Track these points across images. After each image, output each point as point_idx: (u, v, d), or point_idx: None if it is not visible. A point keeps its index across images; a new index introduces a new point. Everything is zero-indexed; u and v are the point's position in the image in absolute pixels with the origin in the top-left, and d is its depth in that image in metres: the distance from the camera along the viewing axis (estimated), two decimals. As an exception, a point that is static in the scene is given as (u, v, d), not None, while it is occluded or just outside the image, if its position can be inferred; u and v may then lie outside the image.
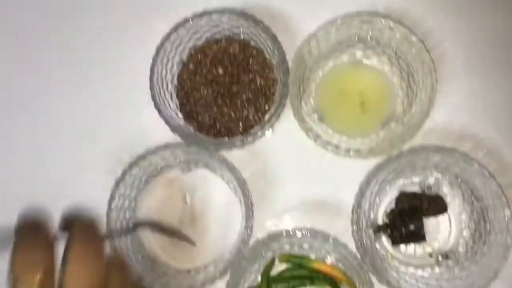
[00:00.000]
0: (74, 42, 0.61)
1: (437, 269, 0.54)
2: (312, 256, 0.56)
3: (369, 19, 0.52)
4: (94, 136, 0.60)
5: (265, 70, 0.55)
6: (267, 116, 0.55)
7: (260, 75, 0.55)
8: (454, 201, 0.55)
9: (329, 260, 0.56)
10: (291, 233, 0.53)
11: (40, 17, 0.62)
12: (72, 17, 0.62)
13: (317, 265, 0.54)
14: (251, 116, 0.55)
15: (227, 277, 0.52)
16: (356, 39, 0.55)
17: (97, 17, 0.61)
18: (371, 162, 0.55)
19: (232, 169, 0.54)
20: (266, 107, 0.55)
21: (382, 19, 0.52)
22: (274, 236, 0.53)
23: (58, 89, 0.61)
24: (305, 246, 0.56)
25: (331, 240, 0.52)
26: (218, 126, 0.56)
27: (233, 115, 0.55)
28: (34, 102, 0.61)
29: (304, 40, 0.53)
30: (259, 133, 0.54)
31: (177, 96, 0.56)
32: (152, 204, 0.58)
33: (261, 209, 0.57)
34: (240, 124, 0.55)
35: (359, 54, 0.56)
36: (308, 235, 0.52)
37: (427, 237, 0.55)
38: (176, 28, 0.52)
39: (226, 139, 0.55)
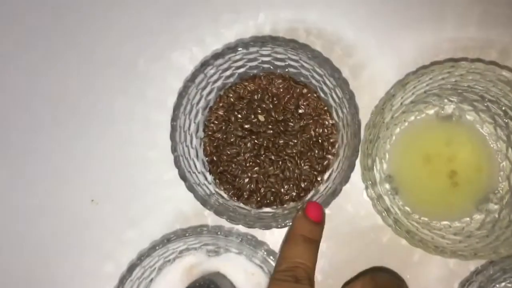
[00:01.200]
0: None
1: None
2: None
3: (472, 66, 0.37)
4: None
5: (321, 114, 0.42)
6: (326, 175, 0.42)
7: (315, 120, 0.42)
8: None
9: None
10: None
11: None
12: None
13: None
14: (305, 175, 0.41)
15: None
16: (449, 87, 0.40)
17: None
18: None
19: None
20: (325, 163, 0.42)
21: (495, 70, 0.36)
22: None
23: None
24: None
25: None
26: (262, 191, 0.41)
27: (281, 175, 0.41)
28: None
29: (388, 92, 0.39)
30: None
31: (205, 153, 0.41)
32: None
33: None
34: (293, 187, 0.41)
35: (450, 108, 0.42)
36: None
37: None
38: (202, 66, 0.38)
39: (275, 207, 0.40)
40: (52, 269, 0.44)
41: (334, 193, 0.36)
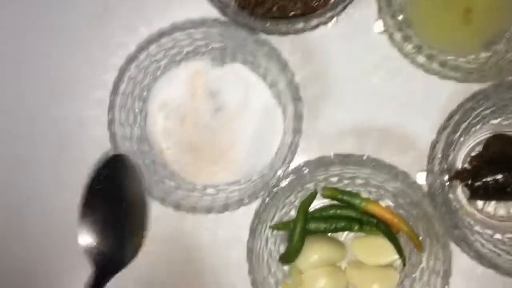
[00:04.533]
0: None
1: (522, 236, 0.42)
2: (365, 195, 0.44)
3: None
4: None
5: None
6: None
7: None
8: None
9: (388, 203, 0.43)
10: (346, 158, 0.40)
11: None
12: None
13: (371, 207, 0.42)
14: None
15: (254, 205, 0.40)
16: None
17: None
18: (465, 89, 0.41)
19: (282, 65, 0.40)
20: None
21: None
22: (323, 161, 0.41)
23: None
24: (358, 181, 0.43)
25: (398, 177, 0.39)
26: (269, 3, 0.41)
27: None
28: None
29: None
30: (322, 18, 0.39)
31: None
32: (168, 98, 0.44)
33: (309, 127, 0.44)
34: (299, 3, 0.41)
35: None
36: (369, 163, 0.39)
37: (516, 195, 0.43)
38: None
39: (277, 22, 0.40)
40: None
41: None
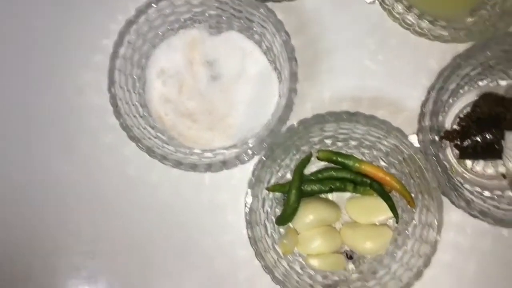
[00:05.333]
0: None
1: (510, 193, 0.44)
2: (359, 157, 0.45)
3: None
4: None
5: None
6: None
7: None
8: (545, 115, 0.44)
9: (381, 164, 0.45)
10: (340, 116, 0.41)
11: None
12: None
13: (365, 167, 0.43)
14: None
15: (249, 166, 0.41)
16: None
17: None
18: (453, 49, 0.43)
19: (278, 26, 0.41)
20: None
21: None
22: (318, 119, 0.42)
23: None
24: (352, 143, 0.45)
25: (391, 133, 0.40)
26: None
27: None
28: None
29: None
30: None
31: None
32: (166, 66, 0.46)
33: (304, 92, 0.45)
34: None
35: None
36: (363, 118, 0.40)
37: (504, 155, 0.44)
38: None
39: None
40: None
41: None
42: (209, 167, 0.41)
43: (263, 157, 0.41)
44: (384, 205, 0.43)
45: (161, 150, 0.42)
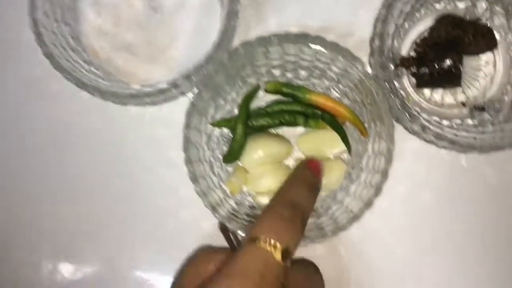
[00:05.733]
0: None
1: (469, 121, 0.41)
2: (311, 88, 0.42)
3: None
4: None
5: None
6: None
7: None
8: (506, 39, 0.42)
9: (334, 94, 0.42)
10: (285, 37, 0.37)
11: None
12: None
13: (315, 98, 0.40)
14: None
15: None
16: None
17: None
18: None
19: None
20: None
21: None
22: (261, 42, 0.38)
23: None
24: (302, 73, 0.42)
25: (340, 55, 0.37)
26: None
27: None
28: None
29: None
30: None
31: None
32: (102, 4, 0.42)
33: (249, 20, 0.42)
34: None
35: None
36: (311, 40, 0.37)
37: (463, 81, 0.42)
38: None
39: None
40: None
41: None
42: (148, 100, 0.38)
43: (201, 86, 0.38)
44: (336, 138, 0.41)
45: (94, 83, 0.39)
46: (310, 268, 0.38)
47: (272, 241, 0.29)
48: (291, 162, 0.42)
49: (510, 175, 0.41)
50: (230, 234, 0.36)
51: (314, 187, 0.35)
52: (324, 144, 0.41)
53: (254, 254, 0.29)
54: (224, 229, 0.36)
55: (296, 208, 0.32)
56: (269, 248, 0.29)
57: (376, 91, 0.37)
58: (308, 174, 0.36)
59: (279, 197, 0.34)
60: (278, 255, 0.29)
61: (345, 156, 0.42)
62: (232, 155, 0.41)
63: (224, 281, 0.28)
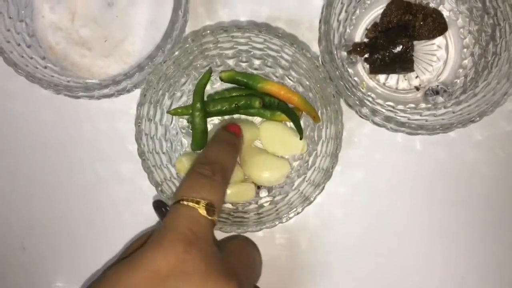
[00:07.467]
0: None
1: (422, 105, 0.42)
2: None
3: None
4: None
5: None
6: None
7: None
8: (457, 21, 0.42)
9: (289, 83, 0.42)
10: (234, 28, 0.38)
11: None
12: None
13: (269, 86, 0.41)
14: None
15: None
16: None
17: None
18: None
19: None
20: None
21: None
22: (211, 32, 0.38)
23: None
24: (256, 62, 0.42)
25: (289, 42, 0.37)
26: None
27: None
28: None
29: None
30: None
31: None
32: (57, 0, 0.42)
33: (202, 16, 0.42)
34: None
35: None
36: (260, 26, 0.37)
37: (416, 66, 0.42)
38: None
39: None
40: None
41: None
42: (100, 92, 0.38)
43: (152, 77, 0.38)
44: (296, 143, 0.41)
45: (47, 77, 0.39)
46: (247, 240, 0.39)
47: (195, 198, 0.30)
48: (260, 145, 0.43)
49: (461, 155, 0.41)
50: (164, 210, 0.36)
51: (232, 144, 0.37)
52: (283, 142, 0.41)
53: (180, 213, 0.30)
54: (158, 207, 0.36)
55: (214, 164, 0.33)
56: (192, 205, 0.30)
57: (324, 77, 0.37)
58: (226, 134, 0.37)
59: (199, 158, 0.35)
60: (202, 211, 0.30)
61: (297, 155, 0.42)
62: (196, 141, 0.41)
63: (155, 240, 0.29)
